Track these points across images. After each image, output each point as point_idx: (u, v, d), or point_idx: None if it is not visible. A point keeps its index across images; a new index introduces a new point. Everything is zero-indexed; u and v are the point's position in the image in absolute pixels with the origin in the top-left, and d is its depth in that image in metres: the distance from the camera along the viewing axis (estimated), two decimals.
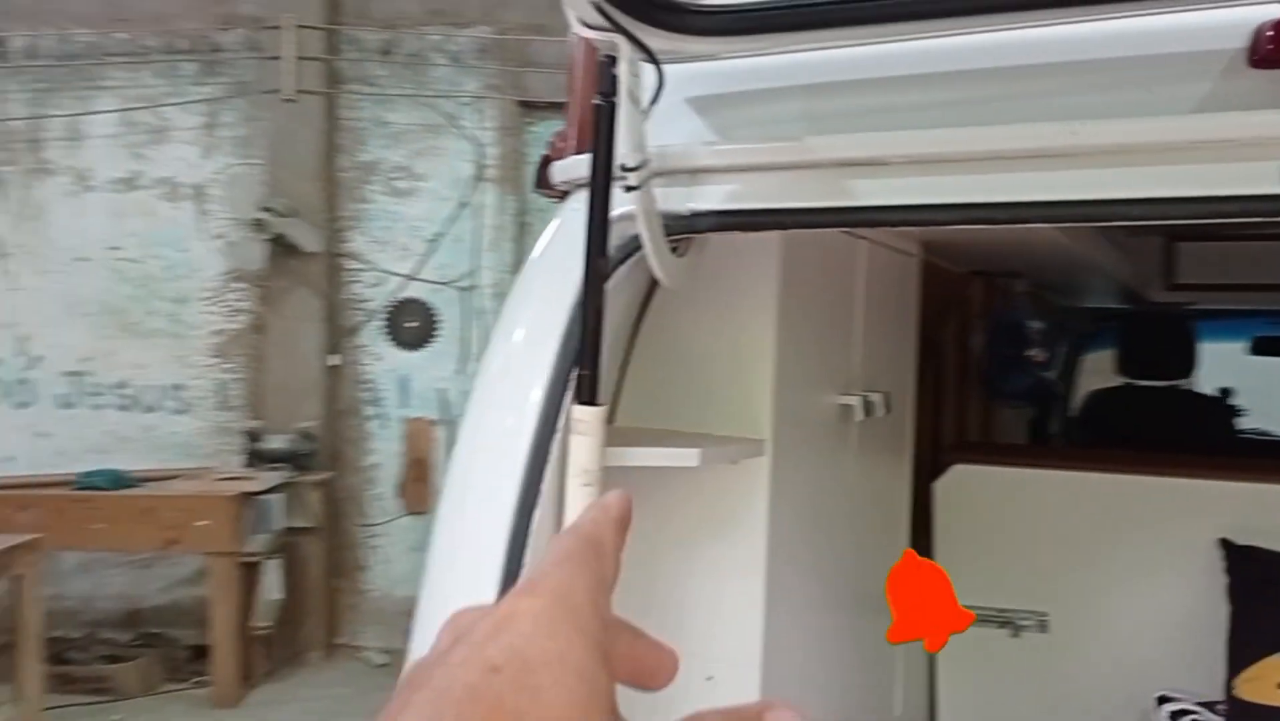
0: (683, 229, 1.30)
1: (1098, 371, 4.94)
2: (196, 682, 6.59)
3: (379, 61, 7.24)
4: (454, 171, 7.23)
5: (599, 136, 1.15)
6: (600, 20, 1.07)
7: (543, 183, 1.44)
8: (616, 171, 1.18)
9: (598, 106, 1.14)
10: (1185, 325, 4.43)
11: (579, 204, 1.29)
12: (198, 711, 6.25)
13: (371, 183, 7.28)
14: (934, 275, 2.99)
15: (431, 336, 7.26)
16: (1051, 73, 1.16)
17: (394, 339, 7.29)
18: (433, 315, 7.25)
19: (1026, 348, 3.04)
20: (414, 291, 7.24)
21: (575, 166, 1.33)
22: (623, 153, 1.16)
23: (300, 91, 7.03)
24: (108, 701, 6.26)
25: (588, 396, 1.21)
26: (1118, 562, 2.56)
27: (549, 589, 0.48)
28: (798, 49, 1.19)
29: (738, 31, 1.14)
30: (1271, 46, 1.04)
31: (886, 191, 1.16)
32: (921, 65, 1.18)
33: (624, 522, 0.55)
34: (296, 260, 7.01)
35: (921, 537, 2.72)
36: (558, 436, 1.25)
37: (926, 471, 2.74)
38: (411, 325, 7.28)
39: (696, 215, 1.29)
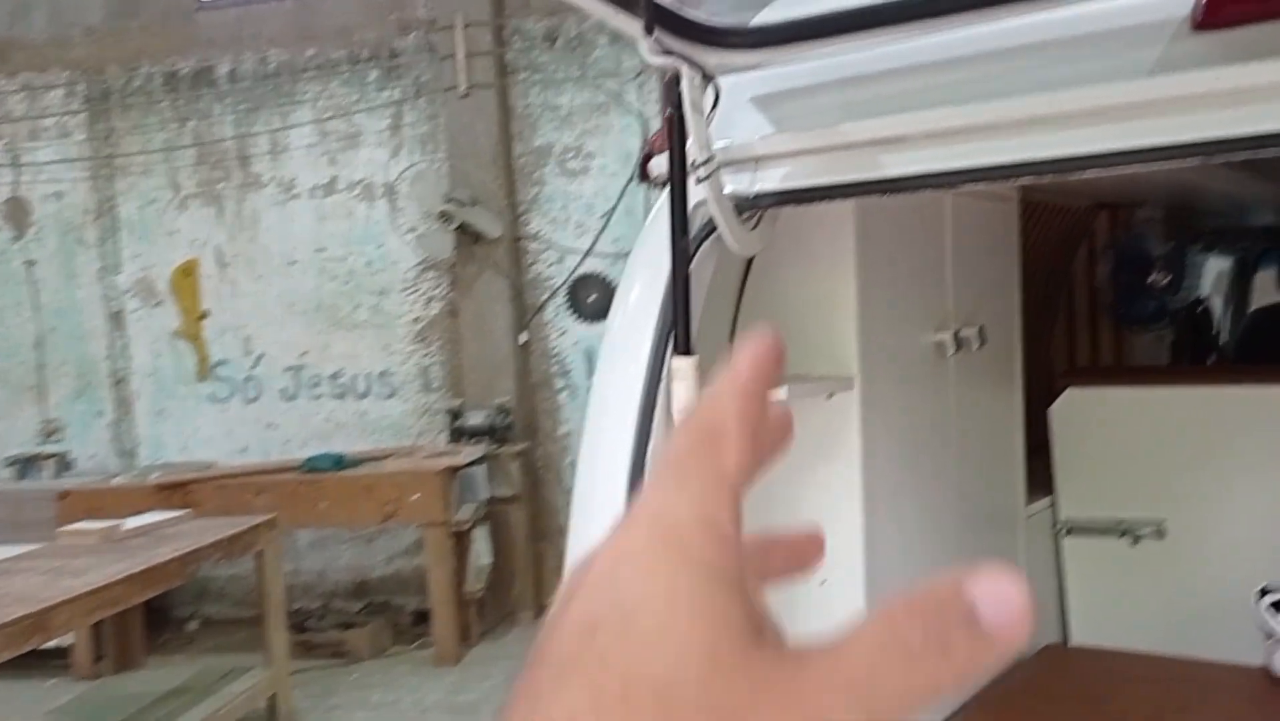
0: (750, 206, 1.58)
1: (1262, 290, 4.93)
2: (420, 644, 7.13)
3: (544, 49, 7.60)
4: (622, 146, 7.53)
5: (671, 141, 1.44)
6: (662, 50, 1.35)
7: (644, 175, 1.73)
8: (690, 167, 1.47)
9: (668, 117, 1.43)
10: None
11: None
12: (422, 670, 6.76)
13: (546, 165, 7.65)
14: (1058, 212, 3.15)
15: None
16: (1032, 51, 1.38)
17: (577, 313, 7.67)
18: (611, 287, 7.55)
19: (1148, 274, 3.17)
20: (592, 266, 7.60)
21: (665, 162, 1.62)
22: (692, 151, 1.45)
23: (473, 86, 7.46)
24: (344, 664, 6.88)
25: (682, 348, 1.50)
26: (1226, 469, 2.70)
27: (646, 517, 0.41)
28: (823, 53, 1.45)
29: (771, 44, 1.41)
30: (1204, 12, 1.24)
31: (908, 162, 1.41)
32: (927, 56, 1.42)
33: (758, 383, 0.45)
34: (482, 246, 7.47)
35: (1041, 458, 2.91)
36: (663, 383, 1.55)
37: (1052, 396, 2.93)
38: (592, 298, 7.63)
39: (760, 195, 1.57)
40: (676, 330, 1.50)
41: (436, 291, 7.83)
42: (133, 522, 5.60)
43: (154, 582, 4.96)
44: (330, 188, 7.92)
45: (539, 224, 7.68)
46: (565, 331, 7.71)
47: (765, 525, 1.63)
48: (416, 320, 7.89)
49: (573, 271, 7.63)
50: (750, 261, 1.93)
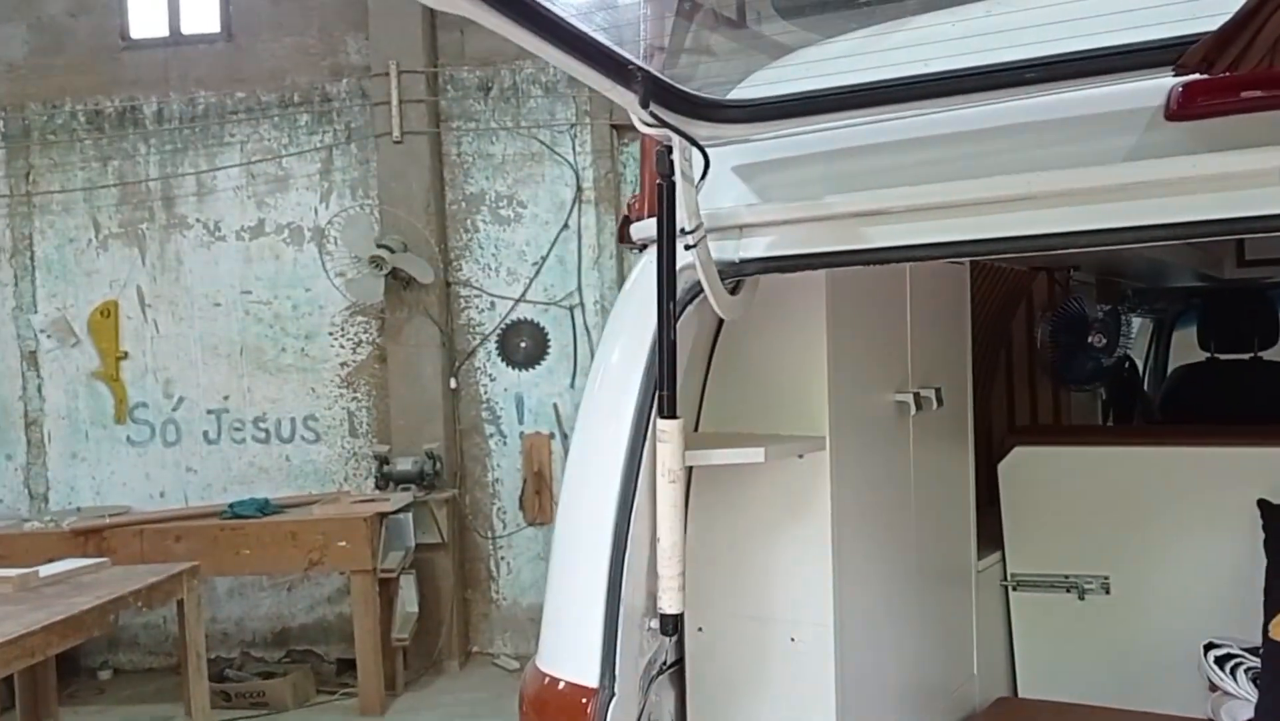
0: (734, 273, 1.63)
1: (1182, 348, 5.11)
2: (344, 694, 7.02)
3: (478, 98, 7.64)
4: (554, 196, 7.61)
5: (661, 208, 1.47)
6: (656, 122, 1.39)
7: (624, 238, 1.76)
8: (678, 233, 1.50)
9: (659, 185, 1.47)
10: (1263, 298, 4.56)
11: (654, 255, 1.61)
12: (347, 720, 6.65)
13: (478, 213, 7.68)
14: (999, 275, 3.25)
15: (543, 355, 7.63)
16: (1014, 132, 1.44)
17: (507, 359, 7.68)
18: (543, 334, 7.62)
19: (1087, 335, 3.28)
20: (523, 313, 7.63)
21: (648, 227, 1.65)
22: (681, 218, 1.49)
23: (407, 132, 7.47)
24: (265, 715, 6.74)
25: (668, 411, 1.53)
26: (1169, 527, 2.80)
27: None
28: (809, 129, 1.50)
29: (762, 118, 1.46)
30: (1177, 106, 1.31)
31: (889, 235, 1.46)
32: (911, 132, 1.48)
33: None
34: (413, 291, 7.44)
35: (991, 515, 2.98)
36: (647, 443, 1.58)
37: (999, 454, 3.00)
38: (523, 345, 7.65)
39: (745, 261, 1.61)
40: (661, 392, 1.52)
41: (365, 336, 7.78)
42: (49, 570, 5.44)
43: (74, 632, 4.81)
44: (257, 230, 7.85)
45: (470, 270, 7.69)
46: (496, 378, 7.71)
47: (739, 580, 1.66)
48: (344, 364, 7.82)
49: (504, 318, 7.64)
50: (720, 326, 1.97)
